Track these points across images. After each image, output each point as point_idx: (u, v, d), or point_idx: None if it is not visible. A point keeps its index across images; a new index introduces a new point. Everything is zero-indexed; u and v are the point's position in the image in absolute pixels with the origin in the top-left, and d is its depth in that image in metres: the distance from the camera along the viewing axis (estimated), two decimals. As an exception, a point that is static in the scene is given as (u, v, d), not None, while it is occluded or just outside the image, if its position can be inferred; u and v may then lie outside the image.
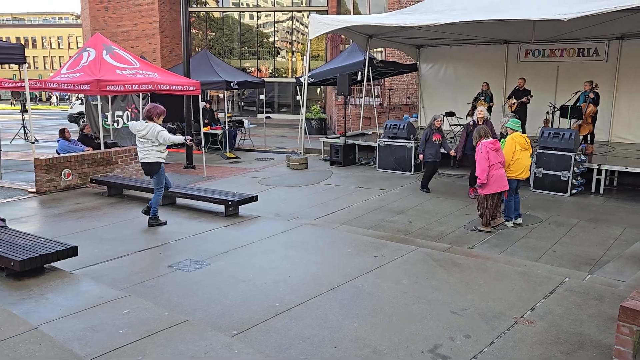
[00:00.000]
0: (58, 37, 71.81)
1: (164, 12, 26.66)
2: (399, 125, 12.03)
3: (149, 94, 14.16)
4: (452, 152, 9.95)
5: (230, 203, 7.42)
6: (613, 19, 10.31)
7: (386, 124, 12.36)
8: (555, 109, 11.78)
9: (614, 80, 12.97)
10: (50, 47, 71.26)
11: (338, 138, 13.37)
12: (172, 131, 15.18)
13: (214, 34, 30.65)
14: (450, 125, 13.72)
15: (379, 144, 12.17)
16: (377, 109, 17.78)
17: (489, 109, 12.54)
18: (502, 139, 8.09)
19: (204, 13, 29.96)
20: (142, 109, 14.59)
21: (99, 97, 11.53)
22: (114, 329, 3.58)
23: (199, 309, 4.34)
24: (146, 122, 6.78)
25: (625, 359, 3.06)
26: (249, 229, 6.90)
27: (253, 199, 7.76)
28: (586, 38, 12.94)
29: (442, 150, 10.07)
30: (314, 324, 4.10)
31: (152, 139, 6.70)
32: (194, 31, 29.62)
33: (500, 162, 7.34)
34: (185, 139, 7.05)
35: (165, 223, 7.01)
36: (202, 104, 13.81)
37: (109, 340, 3.42)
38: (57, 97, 51.98)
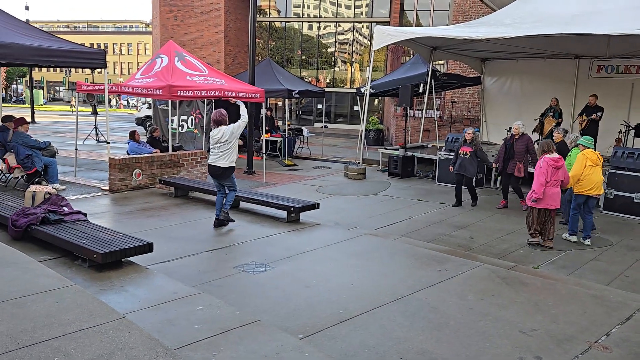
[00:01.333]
0: (128, 44, 75.46)
1: (229, 22, 27.51)
2: (461, 138, 11.85)
3: (213, 100, 14.63)
4: (494, 165, 9.82)
5: (292, 209, 7.55)
6: (697, 35, 9.77)
7: (448, 137, 12.23)
8: (630, 128, 11.27)
9: (695, 99, 12.27)
10: (120, 53, 74.96)
11: (397, 149, 13.32)
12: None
13: (274, 43, 31.31)
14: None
15: (439, 157, 12.03)
16: (437, 122, 17.58)
17: (557, 125, 12.13)
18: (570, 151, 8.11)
19: (267, 23, 30.69)
20: (206, 114, 15.11)
21: (169, 101, 12.03)
22: (189, 324, 3.74)
23: (265, 311, 4.44)
24: (218, 128, 7.04)
25: None
26: (311, 236, 6.99)
27: (315, 206, 7.85)
28: (665, 54, 12.32)
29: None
30: (379, 333, 4.11)
31: (229, 137, 6.99)
32: (256, 40, 30.39)
33: (556, 180, 7.20)
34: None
35: (233, 220, 7.29)
36: (263, 111, 14.12)
37: (185, 334, 3.58)
38: (116, 101, 54.53)
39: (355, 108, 26.38)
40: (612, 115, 12.06)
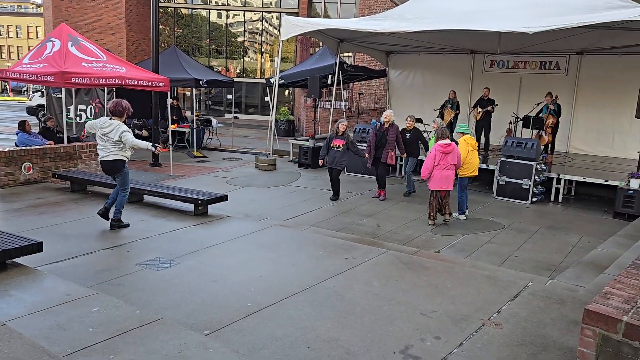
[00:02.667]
0: (17, 26, 69.04)
1: (130, 6, 26.06)
2: (368, 129, 12.17)
3: (114, 89, 13.83)
4: (366, 155, 9.69)
5: (200, 202, 7.33)
6: (574, 34, 10.75)
7: (355, 128, 12.49)
8: (518, 119, 12.18)
9: (573, 93, 13.51)
10: (8, 36, 68.48)
11: (307, 140, 13.41)
12: (138, 127, 14.92)
13: (181, 30, 30.20)
14: (417, 131, 13.96)
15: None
16: (345, 113, 17.92)
17: (456, 117, 12.84)
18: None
19: (172, 9, 29.49)
20: (107, 103, 14.25)
21: (63, 89, 11.18)
22: (83, 327, 3.49)
23: (169, 308, 4.28)
24: (111, 119, 6.37)
25: (588, 360, 3.19)
26: (219, 229, 6.84)
27: (223, 198, 7.69)
28: (548, 52, 13.44)
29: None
30: (287, 324, 4.11)
31: (115, 138, 6.29)
32: (161, 27, 29.11)
33: (445, 164, 7.88)
34: (152, 147, 6.59)
35: (127, 225, 6.64)
36: (169, 101, 13.57)
37: (78, 338, 3.33)
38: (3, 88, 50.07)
39: (266, 99, 26.18)
40: (504, 107, 12.97)
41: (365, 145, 10.08)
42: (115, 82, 10.22)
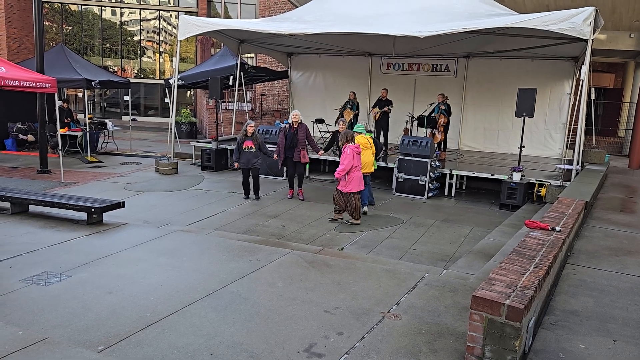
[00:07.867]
0: None
1: (10, 0, 23.93)
2: (271, 130, 12.18)
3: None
4: (275, 157, 9.80)
5: (93, 210, 6.91)
6: (461, 39, 11.53)
7: (259, 129, 12.42)
8: (413, 119, 12.80)
9: (462, 93, 14.48)
10: None
11: (210, 142, 13.13)
12: (23, 131, 13.79)
13: (70, 28, 28.25)
14: (319, 131, 14.22)
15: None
16: (249, 114, 17.79)
17: (355, 117, 13.22)
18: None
19: (59, 5, 27.49)
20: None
21: None
22: (-44, 355, 3.16)
23: (59, 326, 3.99)
24: None
25: (477, 343, 3.43)
26: (116, 237, 6.49)
27: (119, 205, 7.30)
28: (439, 55, 14.28)
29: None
30: (189, 332, 3.99)
31: None
32: (47, 24, 27.02)
33: (358, 164, 8.17)
34: None
35: None
36: (58, 103, 12.65)
37: (-51, 368, 3.01)
38: None
39: (166, 100, 25.28)
40: (400, 107, 13.59)
41: (275, 146, 10.13)
42: (-7, 83, 9.35)
